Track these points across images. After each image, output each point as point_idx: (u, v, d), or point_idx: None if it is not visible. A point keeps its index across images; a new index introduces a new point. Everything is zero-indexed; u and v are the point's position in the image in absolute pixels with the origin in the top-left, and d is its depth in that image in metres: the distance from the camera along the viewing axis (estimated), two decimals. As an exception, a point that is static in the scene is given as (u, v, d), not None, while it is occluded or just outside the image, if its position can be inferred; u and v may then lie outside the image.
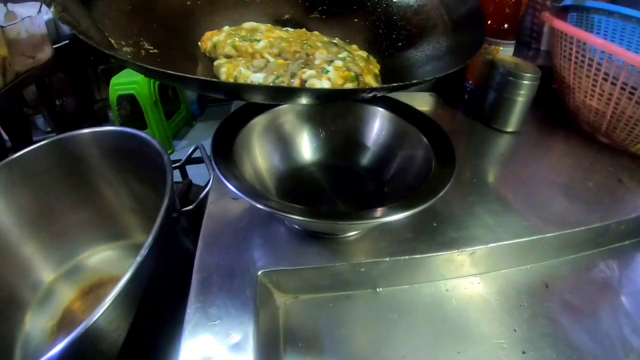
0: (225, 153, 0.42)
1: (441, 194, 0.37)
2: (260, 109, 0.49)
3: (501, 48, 0.58)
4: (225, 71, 0.41)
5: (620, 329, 0.42)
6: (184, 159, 0.70)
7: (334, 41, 0.46)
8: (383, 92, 0.36)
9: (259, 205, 0.35)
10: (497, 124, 0.62)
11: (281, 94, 0.36)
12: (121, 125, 1.70)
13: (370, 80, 0.40)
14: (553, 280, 0.46)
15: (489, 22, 0.58)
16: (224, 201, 0.49)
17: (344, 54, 0.42)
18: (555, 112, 0.69)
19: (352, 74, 0.39)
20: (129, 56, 0.39)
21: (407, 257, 0.42)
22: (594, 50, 0.53)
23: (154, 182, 0.58)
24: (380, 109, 0.51)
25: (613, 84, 0.53)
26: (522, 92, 0.57)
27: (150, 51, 0.42)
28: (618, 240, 0.51)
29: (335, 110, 0.53)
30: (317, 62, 0.41)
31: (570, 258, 0.49)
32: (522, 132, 0.64)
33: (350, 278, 0.43)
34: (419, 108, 0.50)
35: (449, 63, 0.41)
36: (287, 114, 0.52)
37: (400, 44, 0.49)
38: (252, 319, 0.36)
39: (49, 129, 1.45)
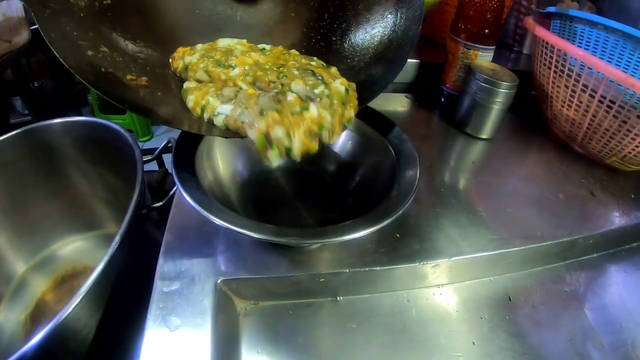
0: (187, 162, 0.41)
1: (395, 216, 0.37)
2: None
3: (480, 53, 0.57)
4: (193, 99, 0.40)
5: (583, 344, 0.43)
6: (156, 151, 0.69)
7: (312, 63, 0.44)
8: None
9: (217, 222, 0.35)
10: (471, 130, 0.61)
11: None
12: (100, 108, 1.66)
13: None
14: (516, 293, 0.46)
15: (469, 26, 0.56)
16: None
17: (320, 88, 0.39)
18: (532, 118, 0.68)
19: (315, 145, 0.37)
20: (82, 14, 0.39)
21: (367, 269, 0.42)
22: (574, 60, 0.52)
23: (126, 174, 0.58)
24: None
25: (591, 95, 0.52)
26: (498, 100, 0.56)
27: (104, 2, 0.41)
28: (586, 254, 0.51)
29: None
30: (290, 98, 0.39)
31: (536, 270, 0.49)
32: (496, 138, 0.63)
33: (310, 287, 0.42)
34: (394, 109, 0.50)
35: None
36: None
37: (334, 38, 0.49)
38: (210, 328, 0.36)
39: (26, 112, 1.42)
